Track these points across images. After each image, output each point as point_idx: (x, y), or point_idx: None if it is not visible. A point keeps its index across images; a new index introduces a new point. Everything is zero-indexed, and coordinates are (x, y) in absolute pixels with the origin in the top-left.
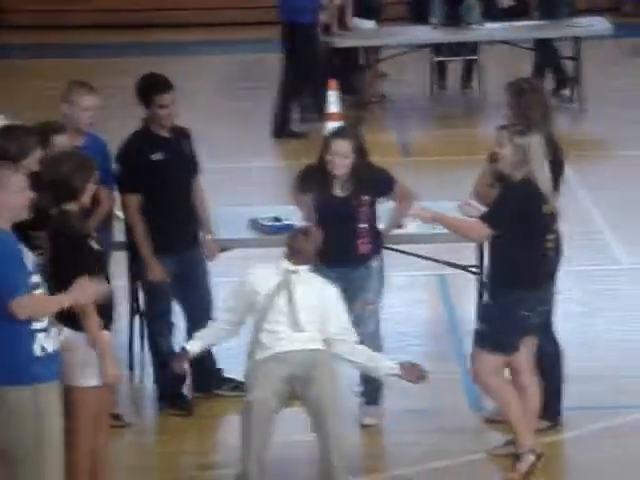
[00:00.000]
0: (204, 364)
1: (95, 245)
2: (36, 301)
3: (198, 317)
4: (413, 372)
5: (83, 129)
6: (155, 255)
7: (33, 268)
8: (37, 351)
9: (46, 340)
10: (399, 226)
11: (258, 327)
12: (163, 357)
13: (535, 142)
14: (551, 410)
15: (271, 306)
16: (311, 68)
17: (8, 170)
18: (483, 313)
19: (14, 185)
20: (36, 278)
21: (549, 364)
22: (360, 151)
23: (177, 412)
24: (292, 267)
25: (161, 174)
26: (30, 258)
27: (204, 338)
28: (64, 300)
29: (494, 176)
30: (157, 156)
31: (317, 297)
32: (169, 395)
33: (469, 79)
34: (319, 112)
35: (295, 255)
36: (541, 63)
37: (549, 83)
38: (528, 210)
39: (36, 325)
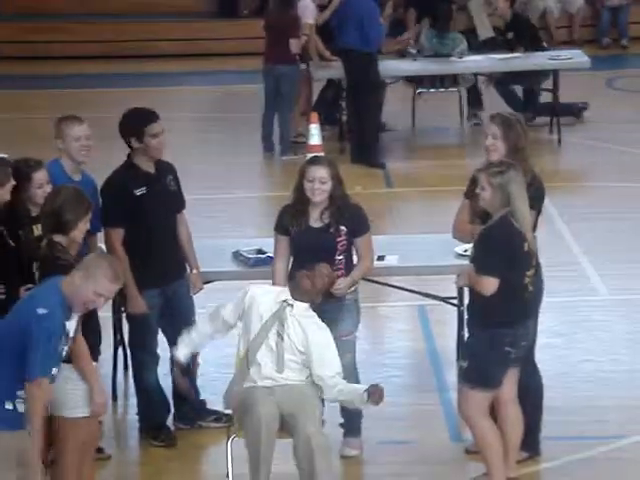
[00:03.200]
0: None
1: None
2: (43, 401)
3: None
4: (375, 394)
5: (78, 159)
6: (140, 288)
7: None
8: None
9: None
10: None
11: (249, 359)
12: (147, 389)
13: (514, 180)
14: (530, 441)
15: (263, 341)
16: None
17: None
18: (466, 350)
19: None
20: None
21: (530, 396)
22: (337, 179)
23: (160, 444)
24: (290, 300)
25: (145, 209)
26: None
27: (190, 344)
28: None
29: (474, 213)
30: (141, 191)
31: (305, 342)
32: (152, 427)
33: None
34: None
35: (296, 290)
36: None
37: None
38: (511, 250)
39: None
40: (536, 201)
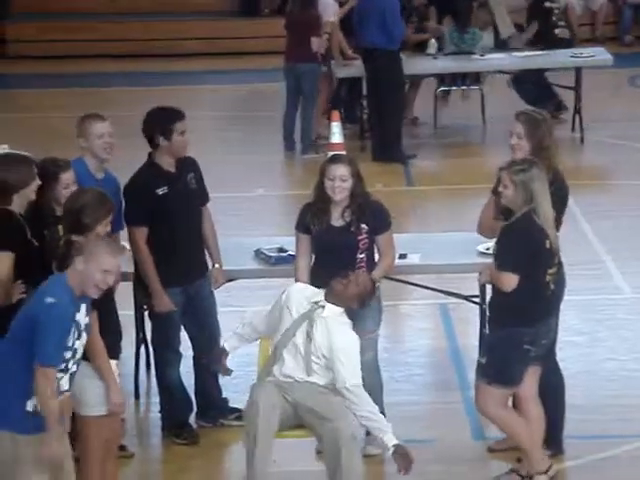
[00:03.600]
0: (210, 394)
1: None
2: (51, 390)
3: (205, 347)
4: (404, 460)
5: (102, 156)
6: (163, 287)
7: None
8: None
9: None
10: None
11: (276, 355)
12: (169, 386)
13: (537, 177)
14: (553, 439)
15: (290, 339)
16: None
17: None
18: (486, 346)
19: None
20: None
21: (551, 394)
22: (358, 177)
23: (183, 442)
24: (323, 302)
25: (167, 208)
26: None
27: (238, 338)
28: (51, 422)
29: (498, 209)
30: (163, 190)
31: (329, 347)
32: (175, 425)
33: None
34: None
35: (329, 293)
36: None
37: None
38: (532, 247)
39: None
40: (558, 199)
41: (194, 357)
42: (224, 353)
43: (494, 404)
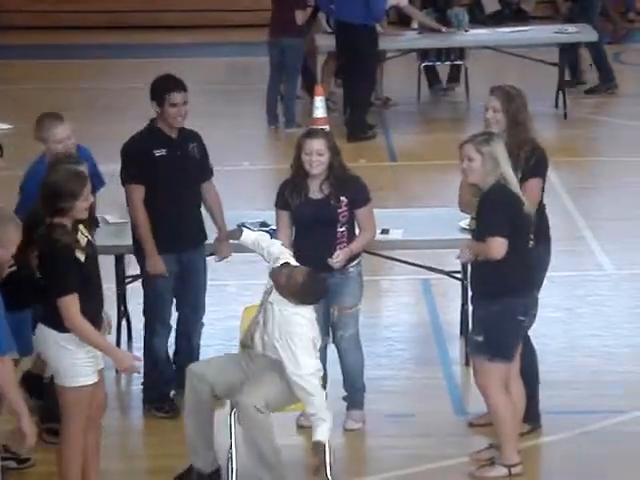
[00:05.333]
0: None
1: (81, 256)
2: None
3: (190, 318)
4: (314, 458)
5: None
6: (158, 252)
7: None
8: None
9: None
10: (353, 258)
11: (252, 323)
12: (154, 358)
13: (500, 145)
14: (531, 413)
15: (259, 312)
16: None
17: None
18: (479, 323)
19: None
20: None
21: (527, 368)
22: (334, 150)
23: (164, 415)
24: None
25: (163, 170)
26: None
27: (257, 240)
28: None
29: (469, 188)
30: (160, 152)
31: (280, 333)
32: (156, 398)
33: (455, 82)
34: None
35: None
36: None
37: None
38: (511, 211)
39: None
40: (539, 169)
41: (177, 328)
42: (238, 234)
43: (497, 382)
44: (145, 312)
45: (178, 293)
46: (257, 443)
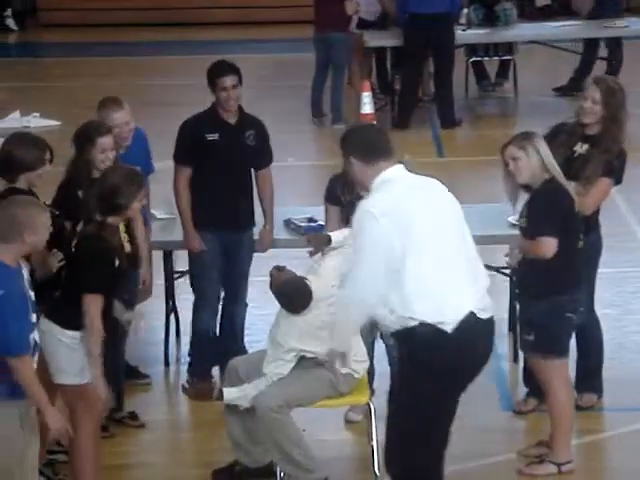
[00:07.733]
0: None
1: (117, 261)
2: (32, 375)
3: (232, 298)
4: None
5: (121, 144)
6: (196, 229)
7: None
8: None
9: None
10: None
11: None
12: (196, 333)
13: (541, 142)
14: (597, 384)
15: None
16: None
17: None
18: (529, 322)
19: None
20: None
21: (592, 341)
22: None
23: (205, 386)
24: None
25: (212, 154)
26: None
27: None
28: (46, 408)
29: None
30: (213, 136)
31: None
32: (198, 372)
33: (504, 78)
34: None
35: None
36: (588, 61)
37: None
38: (563, 208)
39: None
40: (619, 173)
41: (221, 310)
42: (326, 239)
43: (557, 378)
44: (192, 288)
45: (222, 272)
46: (280, 443)
